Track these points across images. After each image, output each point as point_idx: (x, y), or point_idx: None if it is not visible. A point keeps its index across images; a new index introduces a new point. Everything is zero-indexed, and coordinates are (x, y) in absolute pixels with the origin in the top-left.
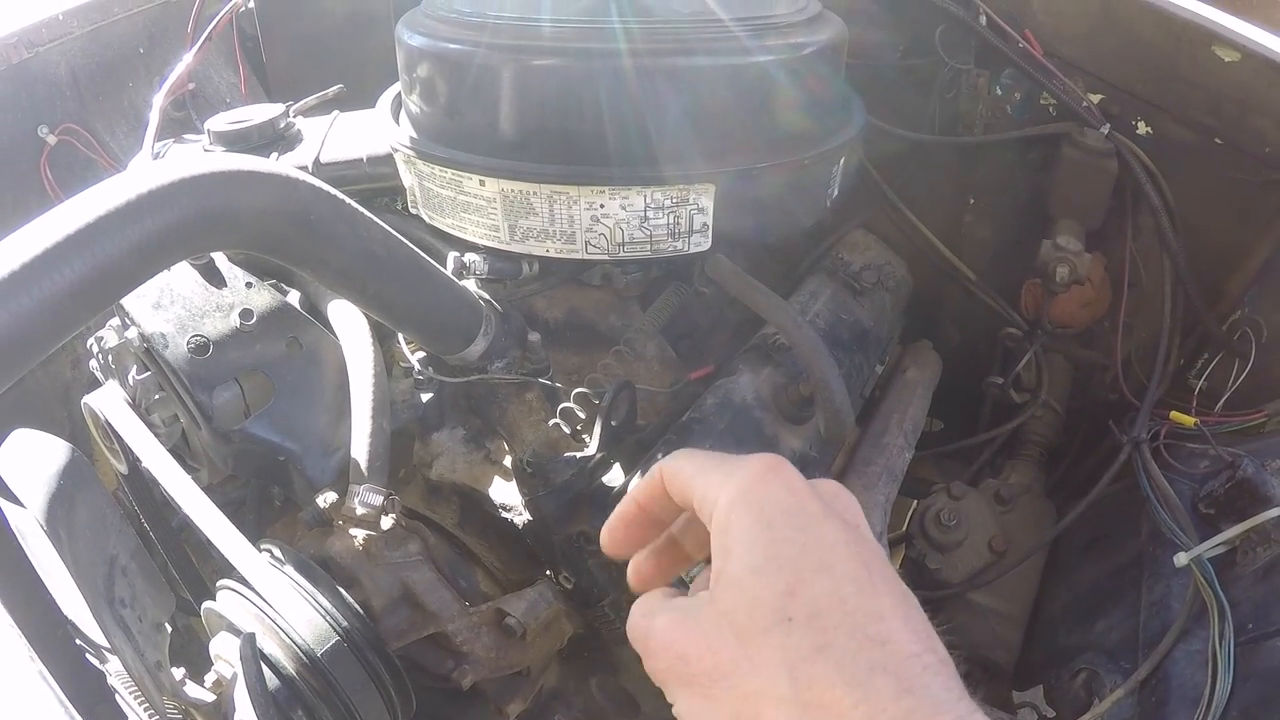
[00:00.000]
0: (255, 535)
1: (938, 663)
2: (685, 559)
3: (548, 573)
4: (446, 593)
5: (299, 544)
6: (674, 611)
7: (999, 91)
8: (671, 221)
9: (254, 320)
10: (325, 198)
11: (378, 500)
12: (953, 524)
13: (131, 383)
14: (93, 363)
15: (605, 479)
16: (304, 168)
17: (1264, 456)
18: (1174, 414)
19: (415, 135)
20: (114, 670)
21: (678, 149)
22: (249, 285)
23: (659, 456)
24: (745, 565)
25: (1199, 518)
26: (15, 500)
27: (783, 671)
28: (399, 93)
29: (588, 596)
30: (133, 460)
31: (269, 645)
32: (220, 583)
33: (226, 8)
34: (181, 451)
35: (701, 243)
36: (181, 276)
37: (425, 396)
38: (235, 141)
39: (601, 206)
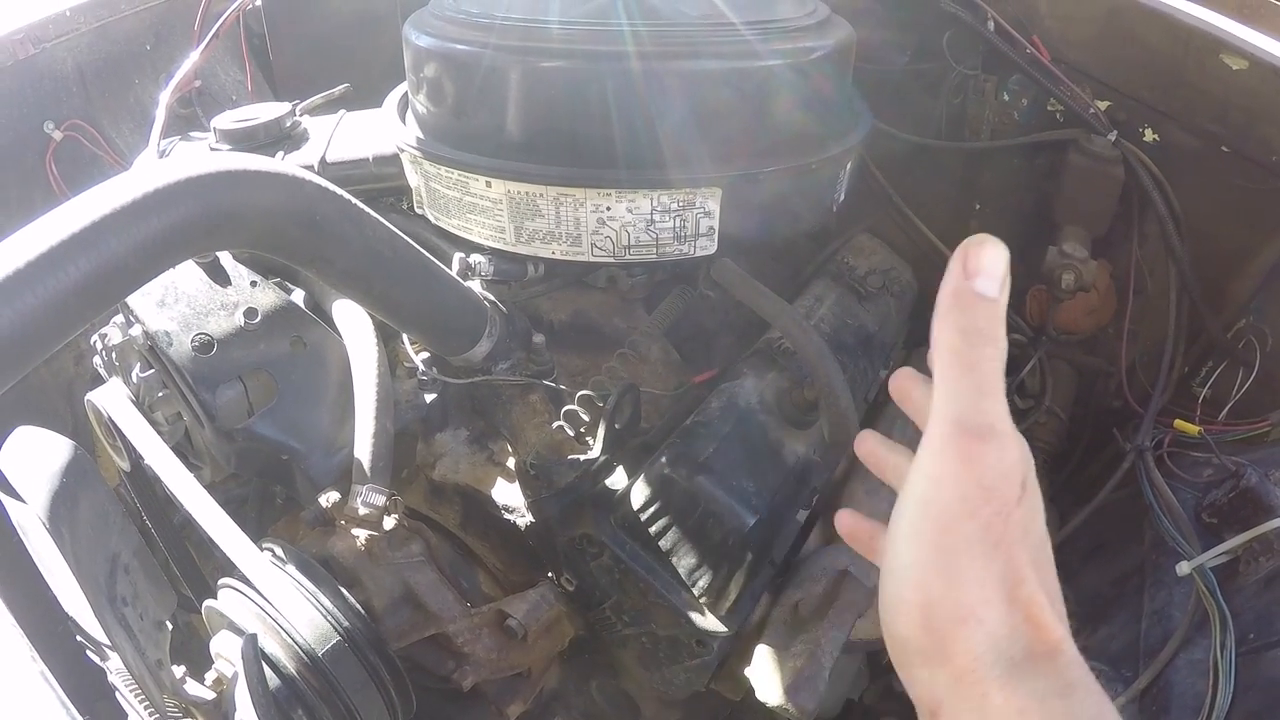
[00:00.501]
0: (257, 534)
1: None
2: None
3: (550, 575)
4: (448, 593)
5: (301, 543)
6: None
7: (1006, 97)
8: (678, 225)
9: (258, 319)
10: (331, 197)
11: (380, 500)
12: None
13: (135, 380)
14: (96, 359)
15: (608, 482)
16: (310, 167)
17: (1267, 466)
18: (1178, 422)
19: (422, 135)
20: (114, 668)
21: (685, 152)
22: (254, 284)
23: (662, 460)
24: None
25: (1202, 527)
26: (17, 497)
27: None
28: (405, 92)
29: (589, 599)
30: (135, 458)
31: (270, 644)
32: (221, 581)
33: (234, 5)
34: (184, 449)
35: (707, 246)
36: (186, 275)
37: (429, 397)
38: (241, 140)
39: (608, 209)
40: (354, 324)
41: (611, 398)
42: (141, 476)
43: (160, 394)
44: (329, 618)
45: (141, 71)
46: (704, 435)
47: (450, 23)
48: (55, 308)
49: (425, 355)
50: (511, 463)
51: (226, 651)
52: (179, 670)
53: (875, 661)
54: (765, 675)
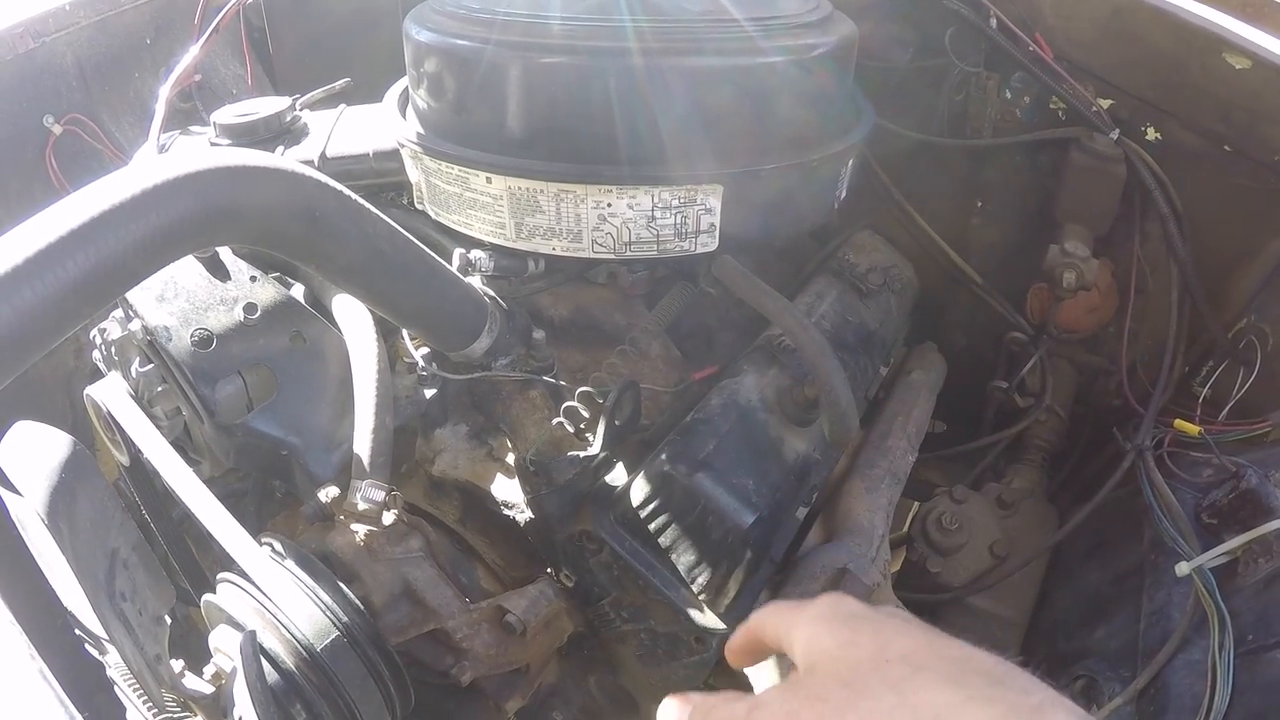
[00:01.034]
0: (256, 528)
1: (1016, 667)
2: None
3: (549, 570)
4: (447, 589)
5: (300, 538)
6: (773, 689)
7: (1008, 94)
8: (679, 222)
9: (258, 314)
10: (331, 193)
11: (379, 496)
12: (954, 528)
13: (134, 375)
14: (95, 354)
15: (608, 478)
16: (310, 162)
17: (1268, 467)
18: (1178, 422)
19: (422, 131)
20: (113, 662)
21: (686, 149)
22: (253, 279)
23: (662, 457)
24: (837, 641)
25: (1201, 527)
26: (16, 492)
27: (888, 690)
28: (406, 87)
29: (588, 595)
30: (134, 452)
31: (268, 639)
32: (220, 576)
33: None
34: (184, 444)
35: (709, 243)
36: (186, 270)
37: (429, 392)
38: (241, 134)
39: (609, 205)
40: (354, 319)
41: (612, 394)
42: (141, 471)
43: (159, 389)
44: (328, 613)
45: (141, 65)
46: (704, 432)
47: (451, 18)
48: (54, 304)
49: (425, 351)
50: (511, 459)
51: (225, 646)
52: (178, 665)
53: None
54: (764, 673)
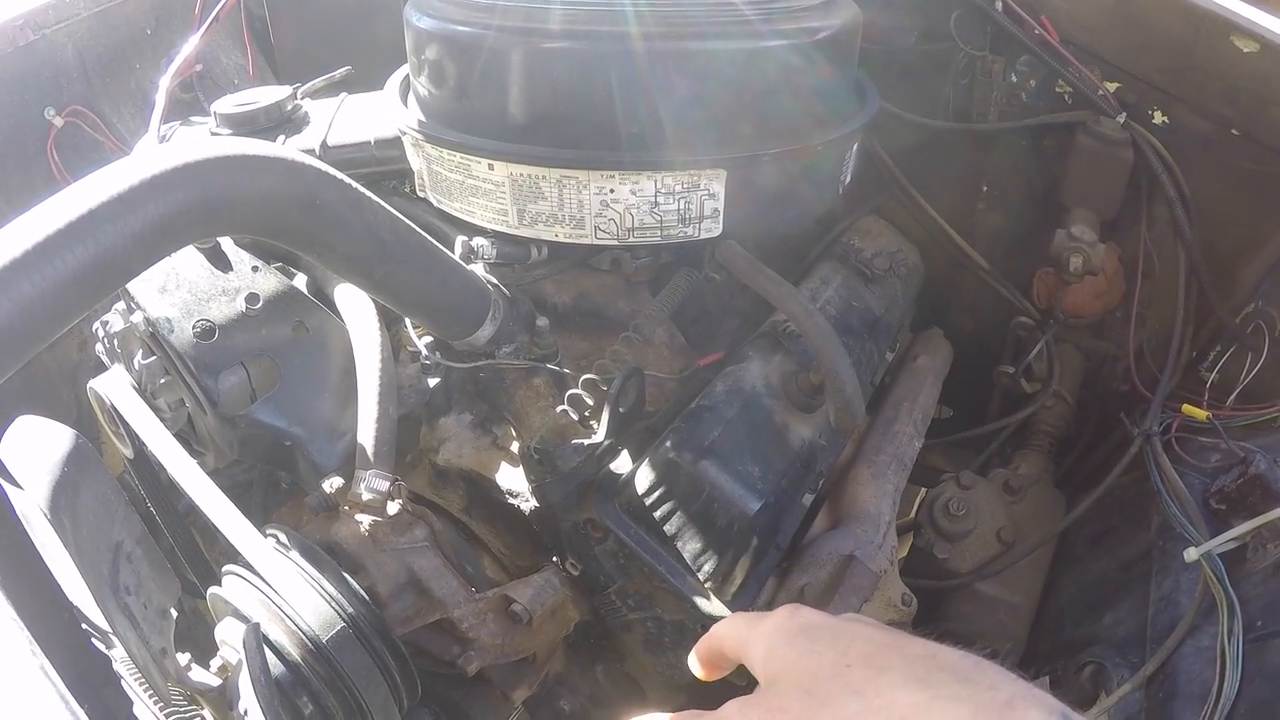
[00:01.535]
0: (261, 520)
1: (983, 660)
2: None
3: (554, 559)
4: (452, 579)
5: (305, 529)
6: (732, 704)
7: (1014, 78)
8: (682, 207)
9: (260, 305)
10: (331, 182)
11: (384, 485)
12: (961, 514)
13: (137, 367)
14: (98, 346)
15: (613, 466)
16: (311, 151)
17: (1276, 452)
18: (1186, 407)
19: (423, 118)
20: (119, 656)
21: (689, 134)
22: (255, 269)
23: (667, 444)
24: (797, 651)
25: (1210, 513)
26: (19, 487)
27: (851, 695)
28: (407, 75)
29: (594, 583)
30: (138, 444)
31: (274, 631)
32: (226, 568)
33: None
34: (187, 436)
35: (712, 229)
36: (187, 261)
37: (432, 381)
38: (242, 124)
39: (611, 191)
40: (356, 309)
41: (616, 381)
42: (145, 464)
43: (162, 380)
44: (333, 604)
45: (142, 56)
46: (709, 419)
47: (452, 4)
48: (53, 296)
49: (428, 339)
50: (515, 447)
51: (231, 638)
52: (184, 657)
53: None
54: None
